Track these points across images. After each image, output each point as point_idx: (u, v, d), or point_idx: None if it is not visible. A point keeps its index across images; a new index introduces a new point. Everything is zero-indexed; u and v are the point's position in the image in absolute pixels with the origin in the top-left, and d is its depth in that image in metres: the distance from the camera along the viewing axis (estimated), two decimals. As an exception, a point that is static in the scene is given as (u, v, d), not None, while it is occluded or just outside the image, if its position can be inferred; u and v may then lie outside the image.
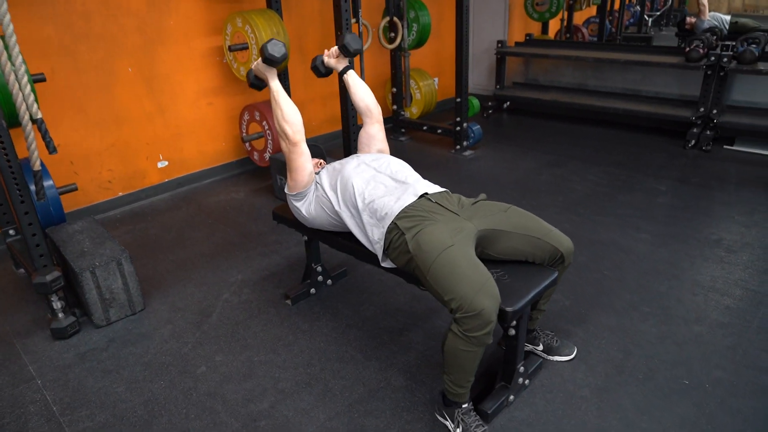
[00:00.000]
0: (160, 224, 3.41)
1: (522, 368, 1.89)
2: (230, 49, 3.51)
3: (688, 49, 4.36)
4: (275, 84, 2.06)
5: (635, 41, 7.83)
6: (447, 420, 1.78)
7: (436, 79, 5.29)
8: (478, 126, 4.68)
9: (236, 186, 3.97)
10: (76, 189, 2.85)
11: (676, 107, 4.73)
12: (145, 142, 3.69)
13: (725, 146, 4.48)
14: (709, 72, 4.33)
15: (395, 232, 1.78)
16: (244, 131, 3.89)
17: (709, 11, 6.07)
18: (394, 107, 5.04)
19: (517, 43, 5.88)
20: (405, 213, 1.80)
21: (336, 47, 2.23)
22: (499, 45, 5.56)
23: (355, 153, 2.31)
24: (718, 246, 2.90)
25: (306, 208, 2.09)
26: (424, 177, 2.10)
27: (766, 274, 2.62)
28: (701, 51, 4.32)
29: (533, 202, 3.56)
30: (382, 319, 2.40)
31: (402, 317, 2.41)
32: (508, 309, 1.62)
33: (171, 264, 2.92)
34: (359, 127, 2.33)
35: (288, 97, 2.04)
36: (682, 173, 4.00)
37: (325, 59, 2.26)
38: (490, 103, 5.73)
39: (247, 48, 3.47)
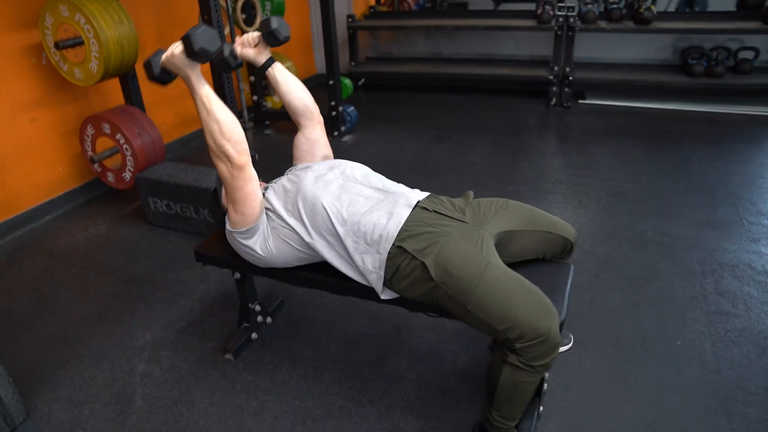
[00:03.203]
0: (2, 289, 2.55)
1: (546, 374, 1.70)
2: (58, 46, 2.70)
3: (539, 11, 4.53)
4: (205, 88, 1.49)
5: (454, 7, 8.12)
6: (493, 458, 1.53)
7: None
8: (353, 107, 4.39)
9: (91, 218, 3.17)
10: None
11: (533, 68, 4.94)
12: (-52, 183, 2.72)
13: (580, 101, 4.81)
14: (559, 32, 4.55)
15: (403, 257, 1.44)
16: (90, 149, 3.10)
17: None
18: (255, 98, 4.48)
19: (365, 16, 5.64)
20: (407, 231, 1.46)
21: (253, 35, 1.74)
22: (350, 19, 5.27)
23: (291, 165, 1.88)
24: (624, 199, 3.04)
25: (261, 245, 1.61)
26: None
27: (679, 218, 2.80)
28: (551, 13, 4.52)
29: (440, 183, 3.40)
30: (350, 351, 2.04)
31: (371, 343, 2.08)
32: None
33: (43, 342, 2.17)
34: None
35: (224, 105, 1.52)
36: (558, 131, 4.18)
37: (239, 49, 1.73)
38: (347, 82, 5.45)
39: (82, 43, 2.70)
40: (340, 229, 1.51)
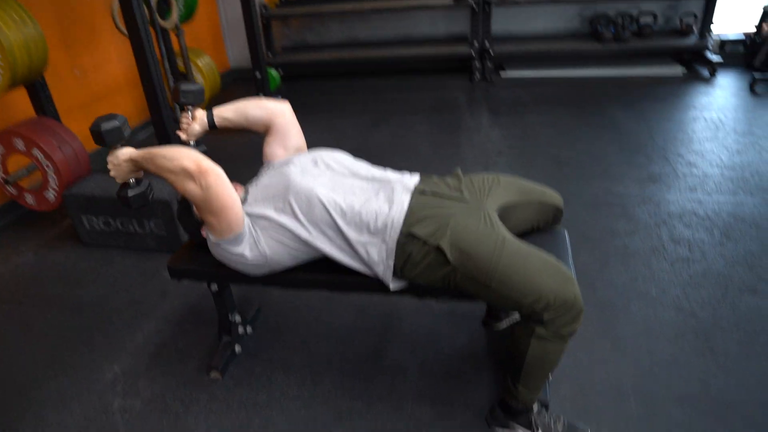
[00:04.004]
0: None
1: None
2: (-48, 55, 2.35)
3: (456, -12, 4.58)
4: (135, 152, 1.51)
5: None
6: (518, 429, 1.53)
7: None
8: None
9: (11, 246, 2.81)
10: None
11: (453, 45, 4.99)
12: None
13: (500, 72, 4.94)
14: (476, 8, 4.63)
15: (414, 243, 1.38)
16: (0, 170, 2.74)
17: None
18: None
19: (277, 5, 5.42)
20: (413, 216, 1.41)
21: (182, 119, 1.71)
22: (264, 9, 5.04)
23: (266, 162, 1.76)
24: (567, 165, 3.17)
25: (252, 249, 1.49)
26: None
27: (621, 177, 2.96)
28: (466, -11, 4.58)
29: (391, 167, 3.35)
30: (343, 349, 1.97)
31: (362, 337, 2.02)
32: (573, 287, 1.42)
33: (-10, 392, 1.91)
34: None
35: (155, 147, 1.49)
36: (489, 105, 4.27)
37: (185, 137, 1.70)
38: (266, 74, 5.23)
39: (-19, 51, 2.36)
40: (340, 221, 1.43)
